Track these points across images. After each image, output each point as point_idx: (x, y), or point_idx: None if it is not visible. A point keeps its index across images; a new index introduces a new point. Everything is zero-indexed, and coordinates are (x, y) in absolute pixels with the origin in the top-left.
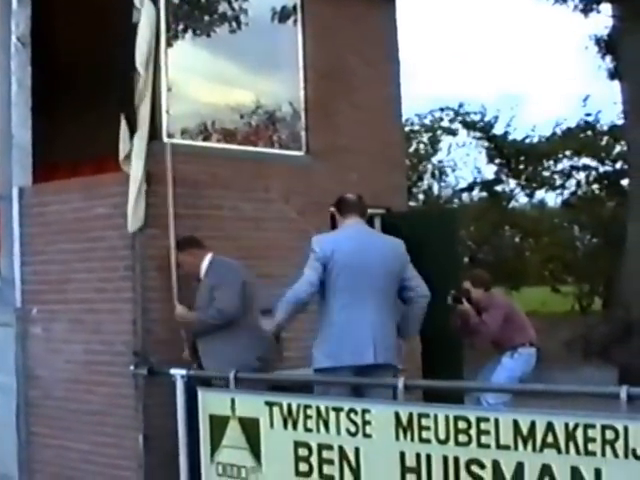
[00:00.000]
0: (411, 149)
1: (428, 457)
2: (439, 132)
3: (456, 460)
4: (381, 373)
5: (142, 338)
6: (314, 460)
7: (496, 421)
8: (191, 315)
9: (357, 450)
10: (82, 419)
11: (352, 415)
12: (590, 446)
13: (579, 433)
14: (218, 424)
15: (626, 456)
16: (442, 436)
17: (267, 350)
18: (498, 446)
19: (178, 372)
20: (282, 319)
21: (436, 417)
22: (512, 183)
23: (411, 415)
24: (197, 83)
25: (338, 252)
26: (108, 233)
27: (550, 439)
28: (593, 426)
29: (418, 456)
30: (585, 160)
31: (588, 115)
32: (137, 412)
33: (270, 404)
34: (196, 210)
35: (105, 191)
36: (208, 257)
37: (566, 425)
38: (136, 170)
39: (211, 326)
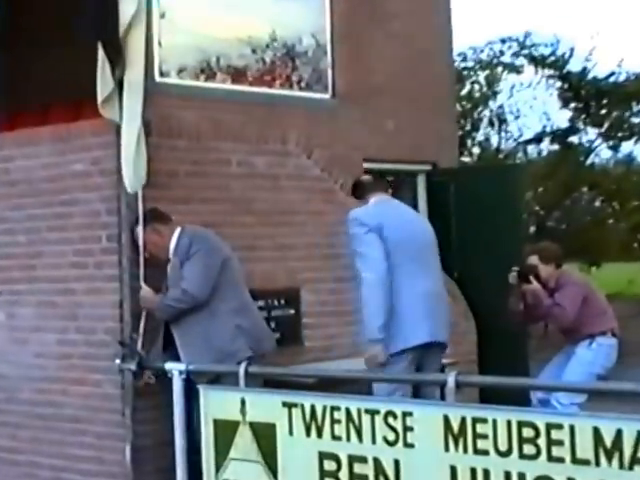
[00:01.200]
0: (463, 91)
1: (485, 473)
2: (499, 69)
3: (521, 477)
4: (437, 352)
5: (130, 325)
6: (343, 476)
7: (571, 428)
8: (154, 299)
9: (397, 463)
10: (55, 427)
11: (390, 419)
12: None
13: None
14: (225, 431)
15: None
16: (503, 447)
17: (261, 338)
18: (574, 460)
19: (175, 367)
20: (381, 323)
21: (495, 423)
22: (591, 133)
23: (464, 420)
24: (198, 9)
25: (387, 227)
26: (87, 195)
27: None
28: None
29: (473, 472)
30: None
31: None
32: (124, 417)
33: (289, 405)
34: (197, 167)
35: (82, 143)
36: (176, 232)
37: None
38: (130, 115)
39: (175, 311)
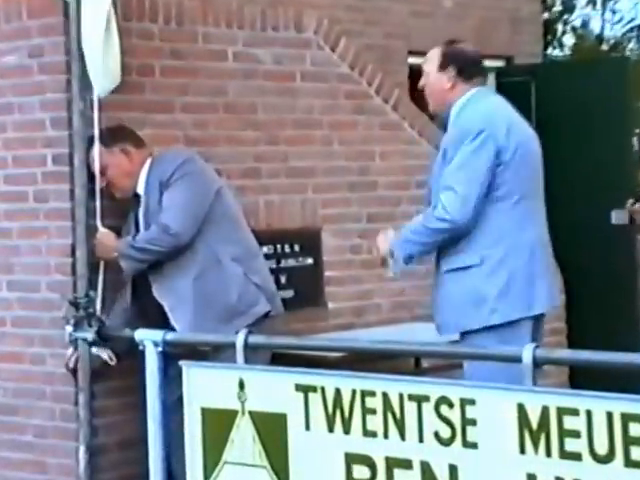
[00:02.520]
0: None
1: None
2: None
3: None
4: (543, 322)
5: (85, 278)
6: None
7: None
8: (116, 244)
9: (453, 470)
10: None
11: (444, 409)
12: None
13: None
14: (217, 424)
15: None
16: (602, 449)
17: (275, 294)
18: None
19: (149, 336)
20: (419, 250)
21: (590, 415)
22: None
23: (546, 411)
24: None
25: (514, 134)
26: (24, 100)
27: None
28: None
29: None
30: None
31: None
32: (76, 406)
33: (305, 389)
34: (178, 61)
35: (17, 26)
36: (147, 163)
37: None
38: None
39: (150, 257)
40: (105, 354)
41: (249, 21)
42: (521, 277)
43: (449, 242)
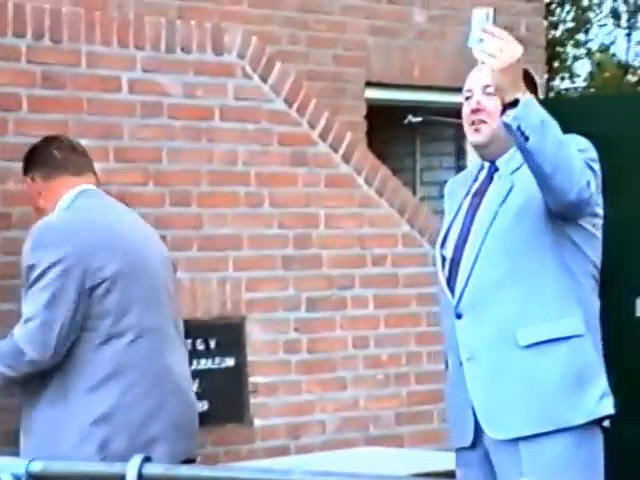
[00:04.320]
0: None
1: None
2: None
3: None
4: None
5: None
6: None
7: None
8: None
9: None
10: None
11: None
12: None
13: None
14: None
15: None
16: None
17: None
18: None
19: (8, 466)
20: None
21: None
22: None
23: None
24: None
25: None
26: None
27: None
28: None
29: None
30: None
31: None
32: None
33: None
34: (54, 90)
35: None
36: (61, 202)
37: None
38: None
39: (8, 381)
40: None
41: (151, 38)
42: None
43: None
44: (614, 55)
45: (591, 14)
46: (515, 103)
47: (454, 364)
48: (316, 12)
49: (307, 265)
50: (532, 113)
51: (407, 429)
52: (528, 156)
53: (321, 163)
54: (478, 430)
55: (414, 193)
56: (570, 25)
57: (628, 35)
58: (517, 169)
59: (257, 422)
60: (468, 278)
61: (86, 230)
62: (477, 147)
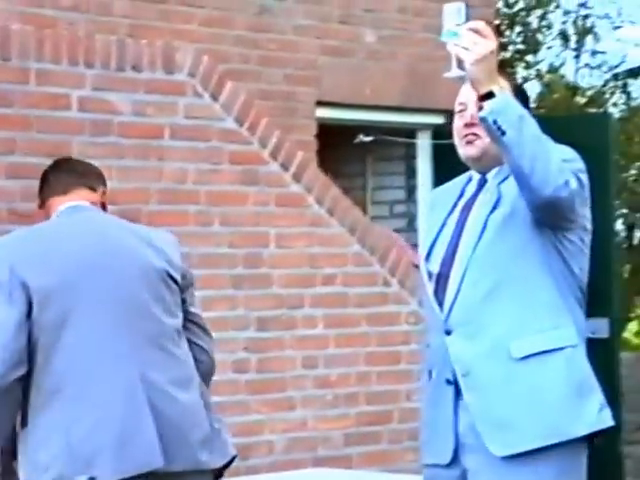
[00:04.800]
0: None
1: None
2: None
3: None
4: None
5: None
6: None
7: None
8: None
9: None
10: None
11: None
12: None
13: None
14: None
15: None
16: None
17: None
18: None
19: None
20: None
21: None
22: None
23: None
24: None
25: None
26: None
27: None
28: None
29: None
30: None
31: None
32: None
33: None
34: (1, 108)
35: None
36: (53, 216)
37: None
38: None
39: None
40: None
41: (101, 56)
42: None
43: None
44: (563, 77)
45: (540, 36)
46: (490, 95)
47: (439, 381)
48: (267, 31)
49: (257, 284)
50: (510, 108)
51: (356, 450)
52: (505, 151)
53: (272, 182)
54: (458, 449)
55: (365, 212)
56: (520, 47)
57: (577, 57)
58: (505, 179)
59: None
60: (457, 292)
61: (26, 243)
62: (469, 160)
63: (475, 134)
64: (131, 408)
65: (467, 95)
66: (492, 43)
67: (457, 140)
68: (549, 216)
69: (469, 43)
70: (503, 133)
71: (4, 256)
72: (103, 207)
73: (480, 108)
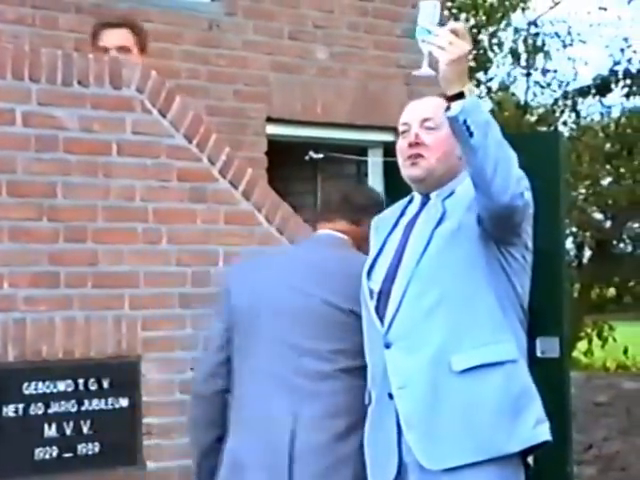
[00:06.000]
0: None
1: None
2: None
3: None
4: None
5: None
6: None
7: None
8: None
9: None
10: None
11: None
12: None
13: None
14: None
15: None
16: None
17: None
18: None
19: None
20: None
21: None
22: None
23: None
24: None
25: None
26: None
27: None
28: None
29: None
30: None
31: None
32: None
33: None
34: None
35: None
36: None
37: None
38: None
39: None
40: None
41: (47, 71)
42: None
43: None
44: (514, 95)
45: (491, 54)
46: (458, 97)
47: (379, 398)
48: (217, 47)
49: (205, 303)
50: (478, 109)
51: None
52: (470, 154)
53: (221, 199)
54: (402, 464)
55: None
56: (471, 64)
57: (527, 75)
58: (448, 196)
59: (150, 465)
60: (399, 305)
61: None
62: (413, 181)
63: (419, 154)
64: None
65: (410, 115)
66: (468, 45)
67: (401, 161)
68: (500, 226)
69: (445, 42)
70: (471, 134)
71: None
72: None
73: (448, 108)
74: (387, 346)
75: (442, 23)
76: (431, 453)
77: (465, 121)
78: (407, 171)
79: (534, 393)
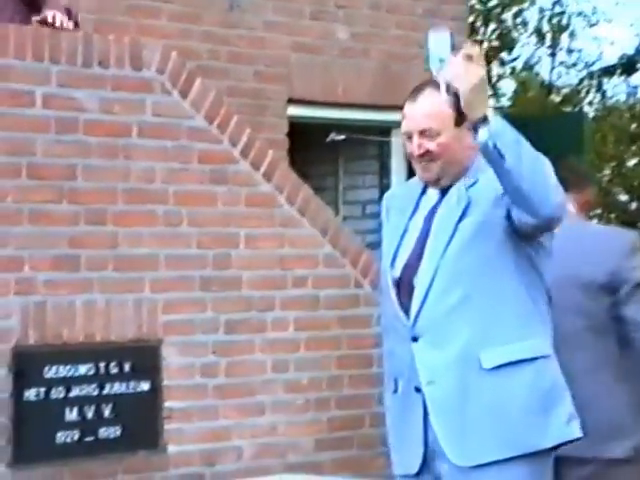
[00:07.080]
0: None
1: None
2: None
3: None
4: None
5: None
6: None
7: None
8: None
9: None
10: None
11: None
12: None
13: None
14: None
15: None
16: None
17: None
18: None
19: None
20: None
21: None
22: None
23: None
24: None
25: None
26: None
27: None
28: None
29: None
30: None
31: None
32: None
33: None
34: None
35: None
36: None
37: None
38: None
39: None
40: None
41: (67, 52)
42: None
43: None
44: (538, 75)
45: (515, 33)
46: (483, 120)
47: (406, 389)
48: (237, 27)
49: (226, 287)
50: (507, 130)
51: (327, 456)
52: (505, 177)
53: (241, 182)
54: (427, 457)
55: (337, 212)
56: (495, 44)
57: (552, 55)
58: (473, 184)
59: (171, 448)
60: (424, 299)
61: None
62: (429, 183)
63: (429, 159)
64: None
65: (410, 125)
66: (482, 70)
67: (413, 163)
68: (539, 231)
69: (460, 70)
70: (502, 157)
71: None
72: None
73: (475, 130)
74: (414, 339)
75: (454, 46)
76: (461, 450)
77: (495, 145)
78: (421, 175)
79: (564, 388)
